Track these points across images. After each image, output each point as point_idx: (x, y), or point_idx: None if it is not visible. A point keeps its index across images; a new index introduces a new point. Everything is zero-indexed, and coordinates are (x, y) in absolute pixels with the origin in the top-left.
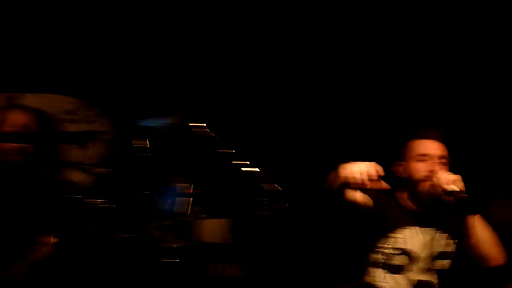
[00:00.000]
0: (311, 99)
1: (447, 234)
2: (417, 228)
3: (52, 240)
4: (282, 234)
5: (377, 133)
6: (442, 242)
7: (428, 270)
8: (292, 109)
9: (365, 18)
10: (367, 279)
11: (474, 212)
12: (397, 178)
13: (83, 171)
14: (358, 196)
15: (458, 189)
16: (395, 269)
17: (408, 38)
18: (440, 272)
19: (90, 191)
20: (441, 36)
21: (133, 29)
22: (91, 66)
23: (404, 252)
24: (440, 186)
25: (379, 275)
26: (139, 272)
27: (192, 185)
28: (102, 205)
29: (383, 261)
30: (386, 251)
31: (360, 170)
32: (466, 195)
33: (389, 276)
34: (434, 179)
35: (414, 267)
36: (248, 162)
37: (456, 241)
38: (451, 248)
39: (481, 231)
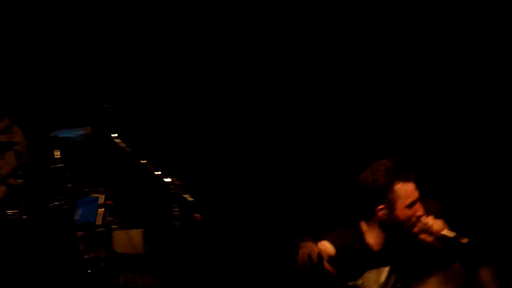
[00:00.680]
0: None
1: (396, 274)
2: (375, 270)
3: None
4: (195, 244)
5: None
6: (395, 277)
7: None
8: (205, 122)
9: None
10: None
11: (459, 258)
12: (369, 219)
13: None
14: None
15: (451, 235)
16: None
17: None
18: None
19: (1, 202)
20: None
21: (45, 41)
22: (2, 76)
23: None
24: (431, 232)
25: None
26: (50, 281)
27: (104, 196)
28: (13, 216)
29: None
30: None
31: (304, 254)
32: (464, 240)
33: None
34: (424, 224)
35: None
36: (160, 172)
37: (406, 276)
38: (400, 284)
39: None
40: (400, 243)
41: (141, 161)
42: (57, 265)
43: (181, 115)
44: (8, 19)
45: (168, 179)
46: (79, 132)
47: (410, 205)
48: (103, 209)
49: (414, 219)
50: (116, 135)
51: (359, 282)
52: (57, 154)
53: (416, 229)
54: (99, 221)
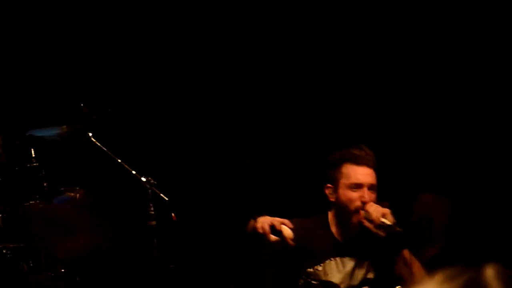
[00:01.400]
0: (202, 107)
1: (367, 261)
2: (338, 259)
3: None
4: (171, 243)
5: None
6: (363, 269)
7: None
8: (180, 121)
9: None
10: None
11: (405, 246)
12: (327, 200)
13: None
14: (273, 238)
15: (389, 223)
16: None
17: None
18: None
19: None
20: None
21: (20, 39)
22: None
23: (322, 284)
24: (371, 219)
25: None
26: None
27: (79, 195)
28: None
29: None
30: (306, 284)
31: (264, 223)
32: (399, 229)
33: None
34: (365, 210)
35: None
36: (134, 172)
37: (376, 267)
38: (371, 275)
39: (414, 266)
40: (355, 231)
41: (117, 160)
42: (32, 265)
43: (157, 114)
44: None
45: (144, 178)
46: (55, 131)
47: (353, 187)
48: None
49: (357, 203)
50: (91, 134)
51: (319, 268)
52: (33, 153)
53: (360, 216)
54: None
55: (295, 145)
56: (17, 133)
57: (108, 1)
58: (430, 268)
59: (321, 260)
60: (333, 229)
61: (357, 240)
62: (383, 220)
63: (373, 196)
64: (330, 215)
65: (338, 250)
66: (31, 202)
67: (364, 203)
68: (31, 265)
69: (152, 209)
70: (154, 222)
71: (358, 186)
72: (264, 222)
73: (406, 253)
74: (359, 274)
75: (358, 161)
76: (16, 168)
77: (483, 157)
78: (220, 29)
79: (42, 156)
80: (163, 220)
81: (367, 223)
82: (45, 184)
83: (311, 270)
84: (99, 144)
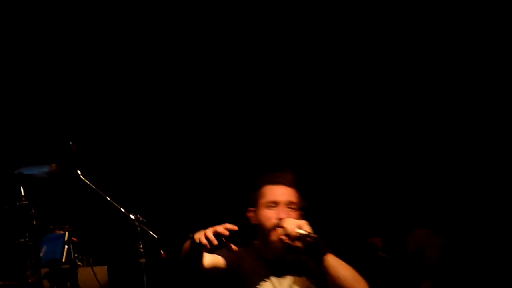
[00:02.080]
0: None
1: (304, 277)
2: (273, 278)
3: None
4: (160, 281)
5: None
6: (302, 285)
7: None
8: (169, 159)
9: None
10: None
11: (326, 252)
12: (252, 225)
13: None
14: (208, 260)
15: (305, 232)
16: None
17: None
18: None
19: None
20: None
21: (7, 77)
22: None
23: None
24: (287, 234)
25: None
26: None
27: (69, 233)
28: None
29: None
30: None
31: (207, 231)
32: (314, 235)
33: None
34: (281, 227)
35: None
36: (123, 209)
37: (314, 279)
38: None
39: (340, 269)
40: (279, 250)
41: (106, 198)
42: None
43: (146, 153)
44: None
45: (133, 216)
46: (44, 169)
47: (270, 205)
48: (67, 246)
49: (273, 221)
50: (80, 172)
51: None
52: (22, 191)
53: (278, 233)
54: (64, 257)
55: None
56: (6, 171)
57: (96, 37)
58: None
59: (256, 283)
60: (262, 251)
61: (286, 258)
62: (299, 231)
63: (292, 214)
64: (257, 238)
65: (271, 270)
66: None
67: (280, 220)
68: None
69: (141, 246)
70: (143, 260)
71: (275, 203)
72: (206, 231)
73: (326, 259)
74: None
75: (275, 181)
76: (6, 206)
77: (478, 191)
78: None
79: (31, 194)
80: (153, 257)
81: (285, 239)
82: (34, 222)
83: None
84: (88, 182)
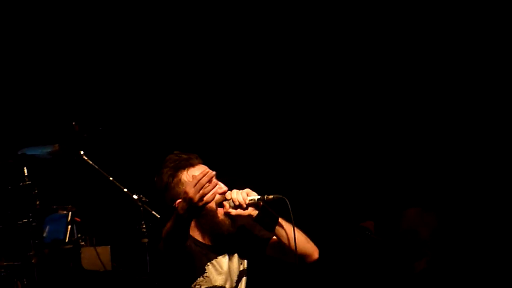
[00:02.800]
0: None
1: (235, 254)
2: (214, 261)
3: None
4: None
5: None
6: (236, 262)
7: None
8: (172, 138)
9: None
10: None
11: (277, 215)
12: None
13: None
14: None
15: (258, 197)
16: None
17: None
18: None
19: None
20: None
21: (12, 57)
22: None
23: None
24: (238, 204)
25: None
26: None
27: (72, 213)
28: None
29: None
30: None
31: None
32: (270, 196)
33: None
34: (227, 200)
35: None
36: (126, 190)
37: (246, 256)
38: (243, 266)
39: (291, 230)
40: (227, 226)
41: (109, 178)
42: (26, 283)
43: (149, 132)
44: None
45: (135, 196)
46: (47, 149)
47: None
48: (70, 226)
49: (217, 198)
50: (83, 152)
51: (201, 279)
52: (25, 171)
53: (225, 207)
54: (67, 238)
55: None
56: (9, 152)
57: (99, 21)
58: (420, 282)
59: (201, 270)
60: (198, 237)
61: (221, 237)
62: (251, 197)
63: (222, 184)
64: (194, 228)
65: (211, 253)
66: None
67: (223, 194)
68: (25, 283)
69: (144, 226)
70: (146, 240)
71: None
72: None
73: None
74: (234, 267)
75: (192, 163)
76: (9, 187)
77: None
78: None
79: (34, 175)
80: (155, 237)
81: (234, 211)
82: (37, 203)
83: (195, 285)
84: (90, 162)
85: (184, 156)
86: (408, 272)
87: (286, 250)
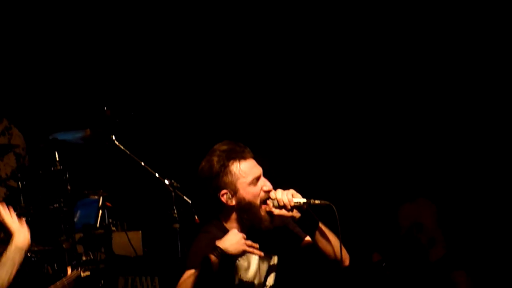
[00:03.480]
0: (225, 112)
1: (266, 250)
2: (245, 257)
3: None
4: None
5: None
6: (266, 259)
7: None
8: (204, 124)
9: None
10: None
11: (318, 219)
12: (221, 208)
13: None
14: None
15: (304, 200)
16: None
17: None
18: None
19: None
20: None
21: (45, 43)
22: (1, 78)
23: (242, 285)
24: (282, 205)
25: None
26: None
27: (104, 198)
28: None
29: None
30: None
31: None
32: (316, 201)
33: None
34: (271, 199)
35: None
36: (158, 175)
37: (277, 254)
38: (273, 262)
39: (331, 237)
40: (267, 223)
41: (140, 163)
42: (56, 267)
43: (180, 117)
44: (9, 22)
45: (167, 181)
46: (79, 134)
47: (253, 182)
48: (101, 211)
49: (262, 195)
50: (115, 137)
51: (234, 272)
52: (57, 156)
53: (269, 206)
54: (98, 223)
55: None
56: (41, 136)
57: (129, 7)
58: (440, 271)
59: (234, 264)
60: (237, 229)
61: (257, 233)
62: (296, 200)
63: (269, 183)
64: (227, 219)
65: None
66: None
67: (268, 192)
68: (56, 268)
69: (175, 211)
70: (177, 225)
71: (258, 179)
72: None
73: (321, 225)
74: (264, 264)
75: (244, 156)
76: (40, 172)
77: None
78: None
79: (66, 160)
80: (187, 222)
81: (277, 211)
82: (69, 188)
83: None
84: (122, 147)
85: (237, 147)
86: (425, 263)
87: (321, 253)
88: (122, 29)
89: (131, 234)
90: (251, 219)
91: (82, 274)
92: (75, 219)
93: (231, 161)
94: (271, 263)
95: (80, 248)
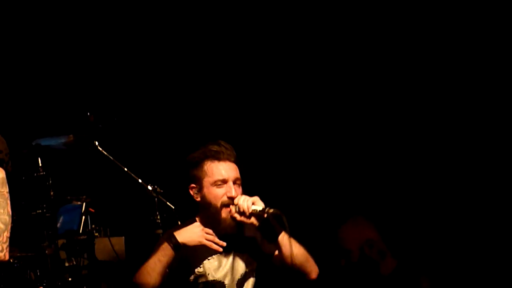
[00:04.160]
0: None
1: (246, 254)
2: (215, 256)
3: None
4: None
5: None
6: (243, 262)
7: None
8: (187, 129)
9: None
10: None
11: (280, 229)
12: (194, 201)
13: None
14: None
15: (260, 208)
16: None
17: None
18: None
19: None
20: None
21: (27, 49)
22: None
23: (208, 284)
24: (242, 211)
25: None
26: None
27: (87, 203)
28: None
29: None
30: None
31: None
32: (271, 210)
33: None
34: (234, 205)
35: None
36: (141, 180)
37: (257, 257)
38: (253, 266)
39: (293, 246)
40: (229, 227)
41: (124, 169)
42: (40, 273)
43: (163, 123)
44: None
45: (150, 187)
46: (62, 140)
47: (218, 184)
48: (84, 216)
49: (224, 199)
50: (98, 143)
51: (200, 270)
52: (40, 162)
53: (231, 212)
54: (81, 228)
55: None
56: (23, 142)
57: (113, 11)
58: (395, 279)
59: (200, 261)
60: (207, 228)
61: (231, 234)
62: (254, 207)
63: (239, 190)
64: (200, 215)
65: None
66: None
67: (231, 198)
68: (39, 274)
69: (158, 217)
70: (160, 231)
71: (223, 182)
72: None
73: (282, 235)
74: (240, 267)
75: (219, 157)
76: (23, 177)
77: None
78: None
79: (49, 165)
80: (170, 228)
81: (239, 217)
82: (51, 193)
83: (193, 275)
84: (105, 153)
85: (218, 148)
86: (379, 277)
87: (285, 264)
88: (105, 33)
89: (114, 240)
90: (211, 218)
91: None
92: (58, 225)
93: (206, 159)
94: (249, 267)
95: (63, 254)
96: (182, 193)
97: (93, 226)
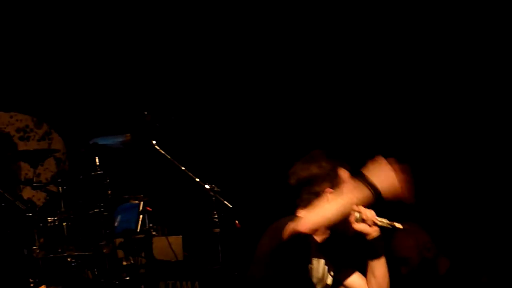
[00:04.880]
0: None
1: (331, 267)
2: (315, 259)
3: None
4: (235, 250)
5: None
6: (331, 270)
7: None
8: (245, 129)
9: None
10: None
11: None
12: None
13: (35, 189)
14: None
15: (388, 222)
16: None
17: None
18: None
19: (41, 209)
20: None
21: (86, 49)
22: (42, 84)
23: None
24: (362, 219)
25: None
26: None
27: (144, 202)
28: (53, 223)
29: None
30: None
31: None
32: (398, 225)
33: None
34: (357, 212)
35: None
36: (199, 179)
37: (333, 274)
38: (330, 281)
39: (384, 270)
40: (349, 233)
41: (181, 168)
42: (97, 272)
43: (220, 121)
44: (49, 27)
45: (207, 186)
46: (119, 139)
47: None
48: (142, 216)
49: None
50: (155, 142)
51: (311, 266)
52: (97, 161)
53: (351, 218)
54: (138, 227)
55: None
56: (81, 141)
57: (180, 12)
58: (452, 277)
59: (307, 261)
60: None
61: (327, 242)
62: (380, 219)
63: None
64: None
65: (316, 251)
66: (95, 210)
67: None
68: (96, 273)
69: (216, 216)
70: (218, 230)
71: None
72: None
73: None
74: (328, 274)
75: (345, 166)
76: (81, 176)
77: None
78: None
79: (106, 164)
80: (227, 227)
81: (357, 224)
82: (109, 192)
83: (308, 266)
84: (162, 152)
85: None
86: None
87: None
88: (164, 33)
89: (172, 239)
90: (340, 224)
91: None
92: (116, 224)
93: (339, 166)
94: (329, 281)
95: (120, 253)
96: (239, 192)
97: (150, 225)
